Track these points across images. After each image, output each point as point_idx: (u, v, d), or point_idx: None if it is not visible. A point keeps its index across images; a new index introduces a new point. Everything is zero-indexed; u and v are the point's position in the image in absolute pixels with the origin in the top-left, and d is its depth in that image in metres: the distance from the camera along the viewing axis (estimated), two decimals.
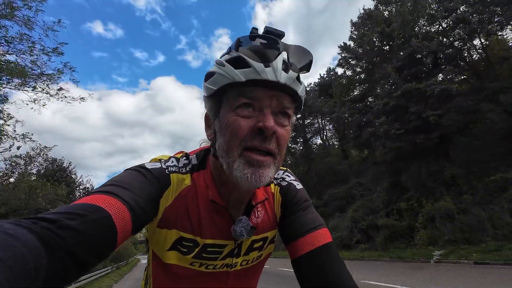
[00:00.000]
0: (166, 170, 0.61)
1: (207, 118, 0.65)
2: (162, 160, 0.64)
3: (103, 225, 0.42)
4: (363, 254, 12.78)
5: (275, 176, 0.75)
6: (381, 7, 17.07)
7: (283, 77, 0.52)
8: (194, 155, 0.69)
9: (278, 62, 0.52)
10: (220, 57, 0.58)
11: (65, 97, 10.36)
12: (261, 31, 0.57)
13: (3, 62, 8.22)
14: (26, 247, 0.31)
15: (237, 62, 0.53)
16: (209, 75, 0.57)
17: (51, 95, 10.30)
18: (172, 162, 0.64)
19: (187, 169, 0.65)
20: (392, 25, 14.86)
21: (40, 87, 10.00)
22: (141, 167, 0.59)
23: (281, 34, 0.55)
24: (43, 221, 0.37)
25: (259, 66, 0.51)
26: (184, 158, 0.67)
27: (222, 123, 0.56)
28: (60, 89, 10.40)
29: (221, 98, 0.57)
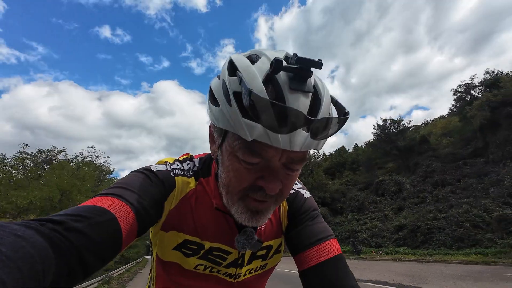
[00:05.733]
0: (171, 173, 0.60)
1: (211, 132, 0.56)
2: (168, 163, 0.63)
3: (108, 228, 0.42)
4: None
5: None
6: None
7: (298, 145, 0.42)
8: (198, 158, 0.67)
9: (298, 135, 0.41)
10: (229, 74, 0.45)
11: None
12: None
13: None
14: (34, 248, 0.31)
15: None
16: (212, 94, 0.49)
17: None
18: (177, 165, 0.63)
19: (192, 172, 0.63)
20: None
21: None
22: (147, 169, 0.58)
23: (317, 69, 0.42)
24: (50, 223, 0.36)
25: (273, 135, 0.41)
26: (189, 161, 0.66)
27: (225, 161, 0.50)
28: None
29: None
